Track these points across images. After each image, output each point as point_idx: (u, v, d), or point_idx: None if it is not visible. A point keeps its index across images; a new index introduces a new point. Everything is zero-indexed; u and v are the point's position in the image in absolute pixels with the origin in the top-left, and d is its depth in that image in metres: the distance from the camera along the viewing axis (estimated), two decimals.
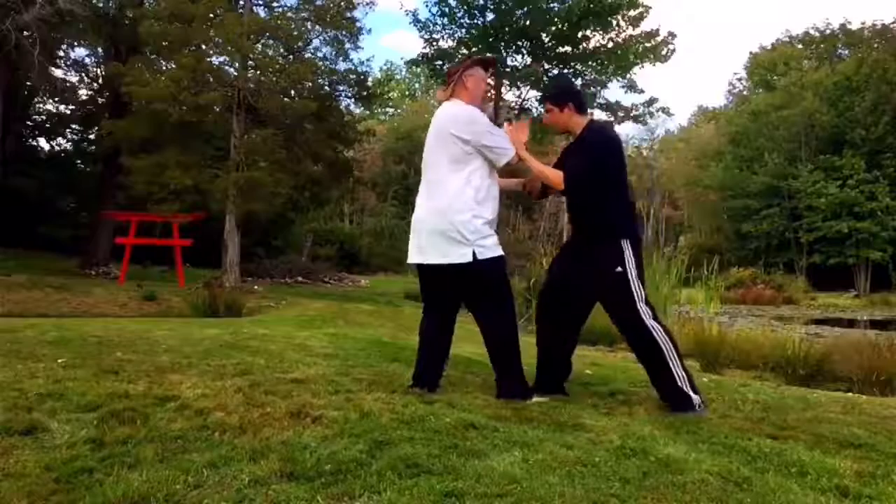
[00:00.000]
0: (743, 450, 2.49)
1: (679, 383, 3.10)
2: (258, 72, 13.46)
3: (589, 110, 3.58)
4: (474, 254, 3.11)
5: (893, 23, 30.69)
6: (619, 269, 3.16)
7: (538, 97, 17.16)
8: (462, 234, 3.11)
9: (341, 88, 15.31)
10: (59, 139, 22.21)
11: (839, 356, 6.57)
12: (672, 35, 16.81)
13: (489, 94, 13.85)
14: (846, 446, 2.65)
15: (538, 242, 23.05)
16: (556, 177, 3.30)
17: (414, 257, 3.28)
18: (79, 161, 22.16)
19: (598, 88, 17.61)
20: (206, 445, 2.25)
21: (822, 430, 2.89)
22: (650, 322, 3.14)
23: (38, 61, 11.88)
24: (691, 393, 3.11)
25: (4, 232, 17.25)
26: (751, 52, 41.72)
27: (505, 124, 3.47)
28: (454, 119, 3.21)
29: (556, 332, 3.43)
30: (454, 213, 3.12)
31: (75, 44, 17.31)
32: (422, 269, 3.30)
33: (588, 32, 16.08)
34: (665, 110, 18.67)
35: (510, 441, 2.40)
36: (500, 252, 3.22)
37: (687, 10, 71.54)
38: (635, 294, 3.16)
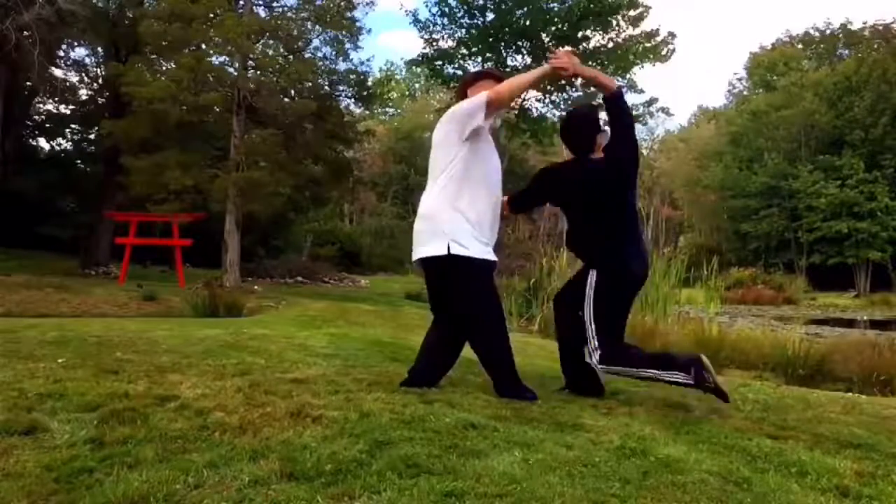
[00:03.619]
0: (743, 450, 2.49)
1: (683, 380, 2.95)
2: (258, 72, 13.48)
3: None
4: (448, 247, 3.02)
5: (894, 23, 30.72)
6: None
7: (538, 97, 17.17)
8: (440, 226, 3.07)
9: (341, 88, 15.35)
10: (59, 139, 22.25)
11: (839, 356, 6.59)
12: (672, 35, 16.85)
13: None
14: (846, 446, 2.65)
15: (538, 242, 23.03)
16: (609, 81, 3.41)
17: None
18: (79, 161, 22.16)
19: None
20: (206, 445, 2.24)
21: (822, 430, 2.89)
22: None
23: (38, 61, 11.88)
24: (701, 371, 2.91)
25: (4, 232, 17.26)
26: (751, 52, 41.92)
27: (557, 51, 3.72)
28: (442, 119, 3.28)
29: (571, 326, 3.34)
30: (437, 208, 3.12)
31: (75, 44, 17.33)
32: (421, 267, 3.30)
33: (588, 32, 16.10)
34: (665, 110, 18.81)
35: (510, 441, 2.39)
36: (484, 256, 3.07)
37: (687, 10, 71.64)
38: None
